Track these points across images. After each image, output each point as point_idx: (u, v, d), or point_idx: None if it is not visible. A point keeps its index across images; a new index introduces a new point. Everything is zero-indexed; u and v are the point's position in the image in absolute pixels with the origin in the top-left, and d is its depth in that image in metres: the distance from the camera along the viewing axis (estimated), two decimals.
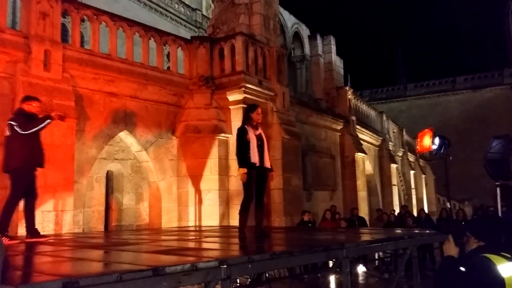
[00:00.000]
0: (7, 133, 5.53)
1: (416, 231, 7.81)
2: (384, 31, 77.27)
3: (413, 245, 5.75)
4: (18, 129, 5.42)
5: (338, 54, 19.41)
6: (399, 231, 8.29)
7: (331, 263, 6.32)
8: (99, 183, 9.01)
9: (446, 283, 2.59)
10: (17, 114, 5.69)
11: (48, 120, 5.57)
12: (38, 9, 7.66)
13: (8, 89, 7.28)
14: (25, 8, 7.80)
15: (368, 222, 14.26)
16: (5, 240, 5.06)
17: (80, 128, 8.06)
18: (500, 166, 6.12)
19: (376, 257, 11.07)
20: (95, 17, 8.91)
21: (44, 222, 7.00)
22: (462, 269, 2.45)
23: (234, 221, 9.35)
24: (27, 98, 5.89)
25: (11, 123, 5.50)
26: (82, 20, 9.03)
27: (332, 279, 7.23)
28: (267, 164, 5.63)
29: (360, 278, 10.09)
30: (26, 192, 5.61)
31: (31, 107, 5.70)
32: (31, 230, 5.70)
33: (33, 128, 5.46)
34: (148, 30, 10.01)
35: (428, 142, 8.86)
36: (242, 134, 5.53)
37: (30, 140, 5.49)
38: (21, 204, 6.48)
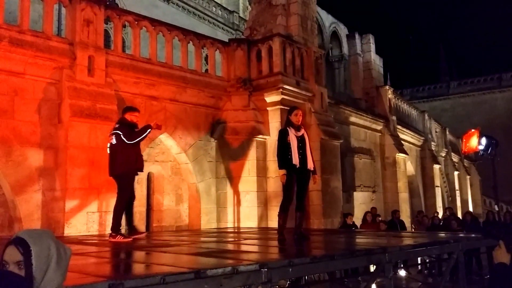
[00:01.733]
0: (113, 141, 6.00)
1: (462, 235, 7.51)
2: (425, 27, 75.07)
3: (459, 249, 5.52)
4: (124, 139, 5.90)
5: (377, 52, 19.03)
6: (443, 234, 8.00)
7: (372, 267, 6.17)
8: (140, 185, 9.22)
9: None
10: (121, 124, 6.12)
11: (149, 130, 6.06)
12: (83, 17, 7.94)
13: (54, 94, 7.58)
14: (70, 15, 8.10)
15: (409, 225, 13.85)
16: (120, 238, 5.76)
17: None
18: None
19: (419, 261, 10.74)
20: (136, 22, 9.13)
21: (89, 222, 7.23)
22: None
23: (273, 222, 9.32)
24: (130, 109, 6.36)
25: (118, 133, 5.96)
26: (124, 26, 9.28)
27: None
28: (310, 165, 5.57)
29: (403, 282, 9.81)
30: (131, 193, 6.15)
31: (133, 117, 6.21)
32: (131, 228, 6.22)
33: (138, 138, 5.97)
34: (186, 34, 10.16)
35: (475, 142, 8.54)
36: (282, 136, 5.52)
37: (133, 147, 6.00)
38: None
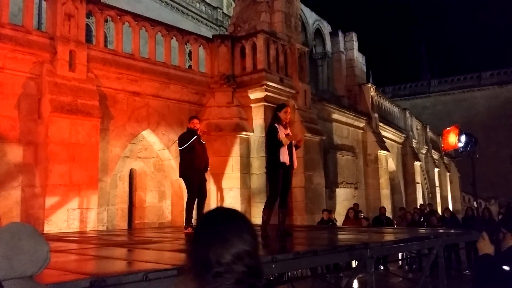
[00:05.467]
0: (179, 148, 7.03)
1: (442, 231, 7.66)
2: (407, 26, 75.92)
3: (439, 245, 5.63)
4: (178, 146, 6.99)
5: (360, 50, 19.17)
6: (424, 230, 8.14)
7: (354, 263, 6.24)
8: (122, 181, 9.14)
9: (488, 283, 2.46)
10: (183, 132, 7.14)
11: (195, 137, 6.82)
12: (64, 11, 7.80)
13: (34, 89, 7.44)
14: (51, 9, 7.95)
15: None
16: (189, 230, 6.54)
17: (104, 127, 8.18)
18: None
19: (400, 257, 10.91)
20: (119, 17, 9.01)
21: (69, 219, 7.13)
22: (506, 268, 2.34)
23: (256, 219, 9.33)
24: (190, 118, 7.33)
25: (177, 141, 7.08)
26: (106, 21, 9.15)
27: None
28: (295, 163, 5.61)
29: (384, 277, 9.95)
30: (198, 192, 6.91)
31: (192, 124, 7.05)
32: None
33: (185, 144, 6.78)
34: (170, 29, 10.08)
35: (454, 139, 8.69)
36: (272, 133, 5.50)
37: (190, 152, 6.78)
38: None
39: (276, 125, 5.52)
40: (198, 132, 6.92)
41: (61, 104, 7.32)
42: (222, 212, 1.27)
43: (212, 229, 1.20)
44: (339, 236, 6.81)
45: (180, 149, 6.88)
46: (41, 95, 7.40)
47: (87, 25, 8.67)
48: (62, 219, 7.04)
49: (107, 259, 3.90)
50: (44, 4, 8.81)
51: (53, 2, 7.85)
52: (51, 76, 7.44)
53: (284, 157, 5.39)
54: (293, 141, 5.59)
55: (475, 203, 12.45)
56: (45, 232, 6.65)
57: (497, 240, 2.59)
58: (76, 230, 7.08)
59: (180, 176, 7.10)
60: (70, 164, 7.27)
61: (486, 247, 2.60)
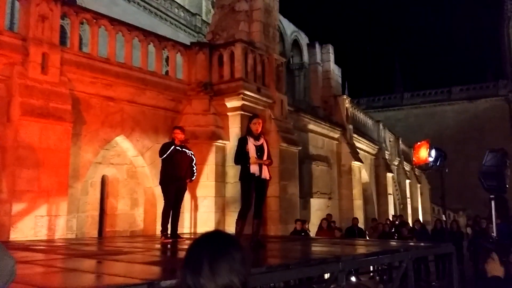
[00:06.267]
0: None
1: (412, 243, 7.78)
2: (382, 40, 77.72)
3: (408, 258, 5.71)
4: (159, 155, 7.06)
5: (336, 62, 19.48)
6: (395, 243, 8.26)
7: (326, 275, 6.26)
8: (94, 188, 8.93)
9: None
10: (166, 142, 7.29)
11: (173, 146, 6.89)
12: (37, 12, 7.61)
13: (4, 91, 7.21)
14: (24, 10, 7.74)
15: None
16: (162, 239, 6.72)
17: (76, 132, 7.99)
18: (495, 179, 6.10)
19: (371, 268, 11.03)
20: (95, 20, 8.86)
21: (37, 227, 6.90)
22: None
23: (230, 228, 9.26)
24: (174, 128, 7.43)
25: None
26: (81, 23, 8.98)
27: None
28: (266, 174, 5.60)
29: None
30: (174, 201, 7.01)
31: (173, 134, 7.13)
32: (174, 232, 6.96)
33: (163, 155, 6.89)
34: (147, 35, 9.97)
35: (425, 154, 8.87)
36: (240, 144, 5.52)
37: (169, 161, 6.89)
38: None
39: (247, 136, 5.55)
40: (176, 142, 6.99)
41: (32, 107, 7.11)
42: (218, 238, 1.27)
43: (205, 258, 1.19)
44: (312, 249, 6.83)
45: (161, 158, 7.00)
46: (11, 98, 7.17)
47: (62, 27, 8.50)
48: (29, 227, 6.81)
49: (75, 271, 3.78)
50: (17, 4, 8.58)
51: (27, 2, 7.66)
52: (22, 78, 7.23)
53: (253, 168, 5.40)
54: (264, 154, 5.62)
55: (443, 216, 12.78)
56: (10, 239, 6.41)
57: (508, 262, 2.46)
58: (43, 238, 6.86)
59: (159, 184, 7.21)
60: (39, 169, 7.06)
61: (495, 269, 2.45)
